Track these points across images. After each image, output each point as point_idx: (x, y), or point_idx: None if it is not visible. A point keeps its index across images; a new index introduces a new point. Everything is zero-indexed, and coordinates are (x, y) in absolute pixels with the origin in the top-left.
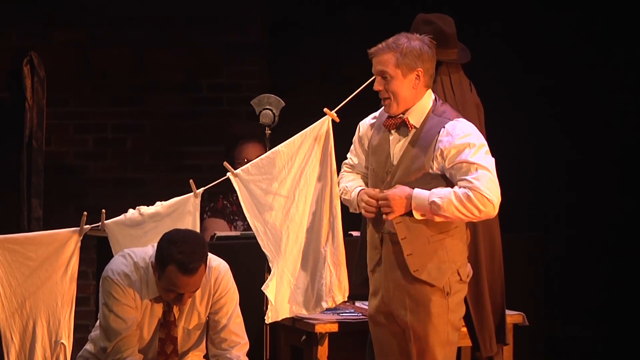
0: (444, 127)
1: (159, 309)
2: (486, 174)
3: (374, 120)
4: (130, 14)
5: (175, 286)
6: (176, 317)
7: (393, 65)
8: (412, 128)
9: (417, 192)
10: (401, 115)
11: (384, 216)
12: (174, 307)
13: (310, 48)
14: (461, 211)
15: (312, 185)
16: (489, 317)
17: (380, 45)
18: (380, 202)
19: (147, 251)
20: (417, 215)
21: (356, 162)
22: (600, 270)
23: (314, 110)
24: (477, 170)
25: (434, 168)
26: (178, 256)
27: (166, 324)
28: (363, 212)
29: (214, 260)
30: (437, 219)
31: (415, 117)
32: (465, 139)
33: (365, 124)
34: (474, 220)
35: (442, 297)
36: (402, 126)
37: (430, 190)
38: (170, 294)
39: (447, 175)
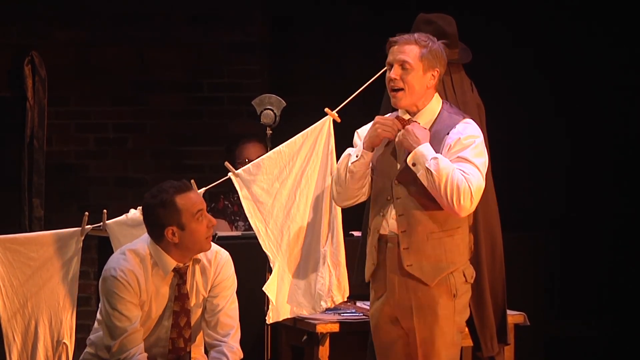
0: (455, 127)
1: (166, 288)
2: (480, 178)
3: None
4: (131, 13)
5: (195, 205)
6: (188, 291)
7: (417, 58)
8: None
9: (426, 146)
10: (410, 117)
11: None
12: (185, 282)
13: (311, 48)
14: (447, 186)
15: (313, 185)
16: (490, 317)
17: (404, 36)
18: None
19: (143, 239)
20: (409, 161)
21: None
22: (601, 270)
23: (315, 110)
24: (475, 169)
25: None
26: (171, 190)
27: (180, 297)
28: (380, 131)
29: (216, 246)
30: (420, 177)
31: (424, 119)
32: (472, 139)
33: (366, 128)
34: (443, 204)
35: (449, 299)
36: None
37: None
38: (204, 221)
39: None
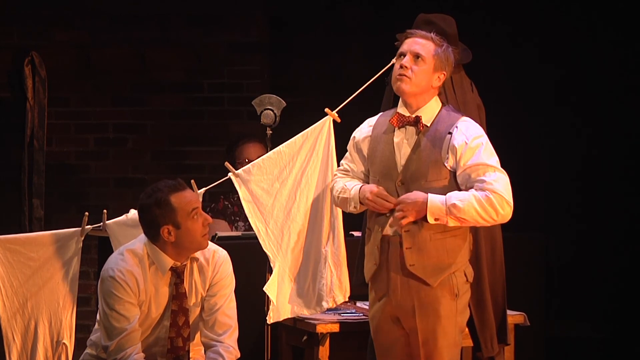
0: (456, 126)
1: (165, 288)
2: (503, 177)
3: (370, 127)
4: (131, 14)
5: (190, 204)
6: (186, 291)
7: (431, 53)
8: (422, 127)
9: (432, 196)
10: (409, 114)
11: (401, 221)
12: (183, 281)
13: (311, 48)
14: (480, 214)
15: (313, 186)
16: (491, 317)
17: (422, 32)
18: (395, 207)
19: (140, 239)
20: (430, 219)
21: (354, 168)
22: (601, 270)
23: (315, 110)
24: (495, 172)
25: (449, 164)
26: (166, 189)
27: (178, 296)
28: (372, 206)
29: (214, 246)
30: (452, 223)
31: (426, 117)
32: (479, 140)
33: (362, 131)
34: (489, 225)
35: (452, 299)
36: (411, 125)
37: (441, 189)
38: (200, 220)
39: (458, 177)
